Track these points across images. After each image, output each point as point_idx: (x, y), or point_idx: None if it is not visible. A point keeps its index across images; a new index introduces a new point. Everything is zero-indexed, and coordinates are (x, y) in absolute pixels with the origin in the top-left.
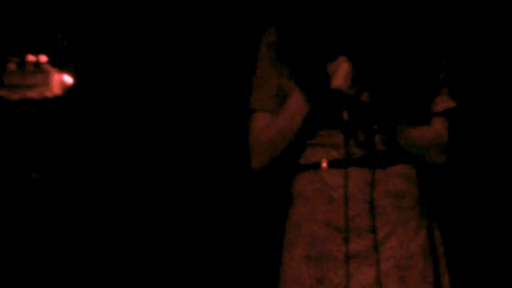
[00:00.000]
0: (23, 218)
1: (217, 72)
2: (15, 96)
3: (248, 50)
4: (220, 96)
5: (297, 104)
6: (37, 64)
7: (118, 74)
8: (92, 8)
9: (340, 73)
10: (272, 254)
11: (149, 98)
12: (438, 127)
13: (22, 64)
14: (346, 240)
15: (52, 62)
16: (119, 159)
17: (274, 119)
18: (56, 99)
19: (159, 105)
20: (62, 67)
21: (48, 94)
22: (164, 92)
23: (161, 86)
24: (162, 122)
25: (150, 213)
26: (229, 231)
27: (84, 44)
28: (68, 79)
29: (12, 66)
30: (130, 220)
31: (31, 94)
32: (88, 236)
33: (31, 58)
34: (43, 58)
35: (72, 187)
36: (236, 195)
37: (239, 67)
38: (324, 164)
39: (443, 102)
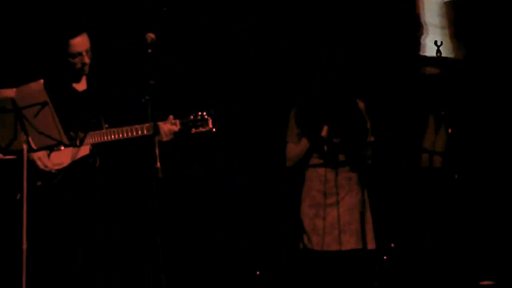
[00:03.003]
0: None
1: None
2: None
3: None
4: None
5: (305, 143)
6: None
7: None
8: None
9: (324, 131)
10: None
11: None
12: (368, 149)
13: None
14: (325, 197)
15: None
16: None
17: (296, 147)
18: None
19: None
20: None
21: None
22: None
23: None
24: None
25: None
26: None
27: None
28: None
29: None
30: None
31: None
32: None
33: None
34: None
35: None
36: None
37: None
38: (317, 165)
39: (370, 138)
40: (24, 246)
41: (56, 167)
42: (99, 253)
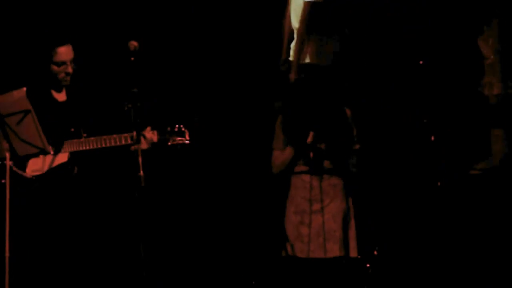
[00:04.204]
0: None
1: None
2: None
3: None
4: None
5: (290, 150)
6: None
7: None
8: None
9: (310, 137)
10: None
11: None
12: (353, 157)
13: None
14: (311, 204)
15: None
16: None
17: (282, 154)
18: None
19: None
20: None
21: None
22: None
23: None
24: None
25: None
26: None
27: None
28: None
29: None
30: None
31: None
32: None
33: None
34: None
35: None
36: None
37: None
38: (303, 173)
39: (355, 145)
40: (7, 254)
41: (34, 173)
42: (78, 259)
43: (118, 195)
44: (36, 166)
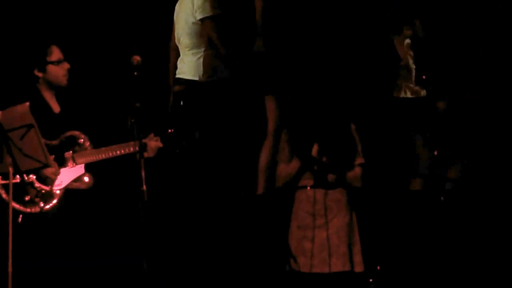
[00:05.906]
0: None
1: None
2: None
3: None
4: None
5: (296, 163)
6: None
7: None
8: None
9: (314, 150)
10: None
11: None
12: (357, 171)
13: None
14: (314, 219)
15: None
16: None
17: (287, 167)
18: None
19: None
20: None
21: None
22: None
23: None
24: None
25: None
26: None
27: None
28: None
29: None
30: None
31: None
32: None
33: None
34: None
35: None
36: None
37: None
38: (307, 187)
39: (359, 160)
40: (10, 270)
41: (56, 188)
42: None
43: (122, 208)
44: (57, 180)
